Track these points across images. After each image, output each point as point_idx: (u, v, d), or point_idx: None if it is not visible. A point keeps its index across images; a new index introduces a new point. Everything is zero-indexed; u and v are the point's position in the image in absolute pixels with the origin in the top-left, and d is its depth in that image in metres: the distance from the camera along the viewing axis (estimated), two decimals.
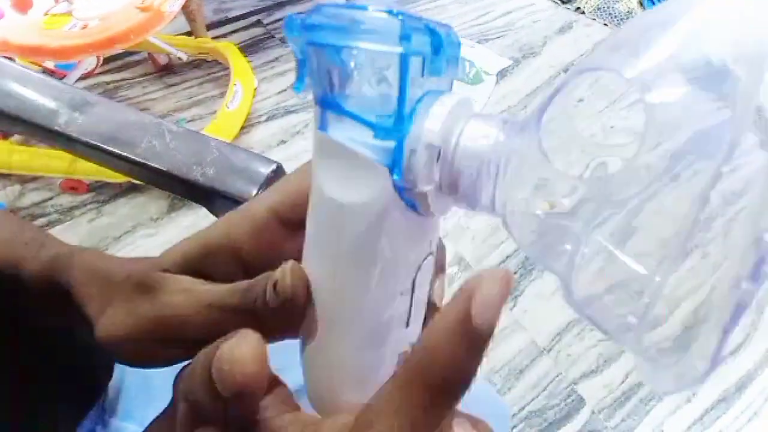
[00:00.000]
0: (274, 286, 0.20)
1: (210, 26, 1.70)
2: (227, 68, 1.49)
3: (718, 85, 0.15)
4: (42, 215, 1.28)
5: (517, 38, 1.80)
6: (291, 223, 0.24)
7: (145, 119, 0.48)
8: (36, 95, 0.48)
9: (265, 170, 0.44)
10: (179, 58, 1.52)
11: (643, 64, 0.15)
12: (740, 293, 0.14)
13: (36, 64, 1.32)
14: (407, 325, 0.22)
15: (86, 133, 0.46)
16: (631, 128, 0.16)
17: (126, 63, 1.62)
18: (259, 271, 0.22)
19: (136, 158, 0.45)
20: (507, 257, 1.27)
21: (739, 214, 0.15)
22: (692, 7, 0.16)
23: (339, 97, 0.18)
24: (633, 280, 0.16)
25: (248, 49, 1.68)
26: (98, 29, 1.15)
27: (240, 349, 0.17)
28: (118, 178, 1.24)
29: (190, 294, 0.23)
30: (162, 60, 1.59)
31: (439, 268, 0.24)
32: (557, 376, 1.13)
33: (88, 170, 1.23)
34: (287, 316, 0.21)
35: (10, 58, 1.05)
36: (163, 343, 0.23)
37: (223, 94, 1.44)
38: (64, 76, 1.33)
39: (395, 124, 0.18)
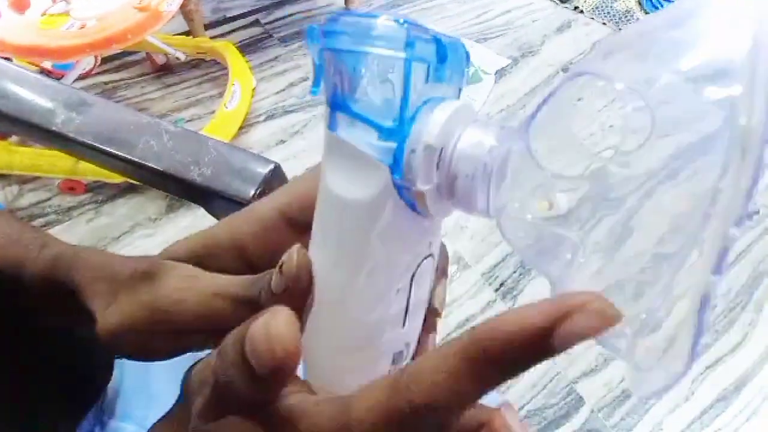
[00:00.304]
0: (280, 268, 0.20)
1: (208, 26, 1.70)
2: (225, 68, 1.49)
3: (717, 85, 0.15)
4: (40, 216, 1.28)
5: (515, 37, 1.80)
6: (297, 225, 0.24)
7: (143, 119, 0.47)
8: (33, 95, 0.48)
9: (263, 170, 0.44)
10: (177, 58, 1.51)
11: (638, 69, 0.15)
12: (707, 285, 0.14)
13: (33, 64, 1.32)
14: (403, 324, 0.22)
15: (84, 134, 0.46)
16: (630, 127, 0.16)
17: (124, 63, 1.62)
18: (263, 271, 0.22)
19: (134, 158, 0.45)
20: (506, 256, 1.27)
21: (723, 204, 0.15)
22: (694, 12, 0.16)
23: (348, 99, 0.19)
24: (629, 280, 0.16)
25: (246, 48, 1.67)
26: (96, 29, 1.15)
27: (277, 324, 0.17)
28: (117, 179, 1.24)
29: (195, 281, 0.23)
30: (160, 60, 1.59)
31: (441, 273, 0.24)
32: (556, 374, 1.13)
33: (87, 170, 1.23)
34: (291, 305, 0.21)
35: (7, 59, 1.05)
36: (164, 333, 0.23)
37: (221, 94, 1.44)
38: (62, 76, 1.33)
39: (397, 126, 0.19)
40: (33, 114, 0.47)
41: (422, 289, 0.23)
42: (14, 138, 1.31)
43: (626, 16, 1.88)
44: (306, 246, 0.22)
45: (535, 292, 1.22)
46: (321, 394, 0.20)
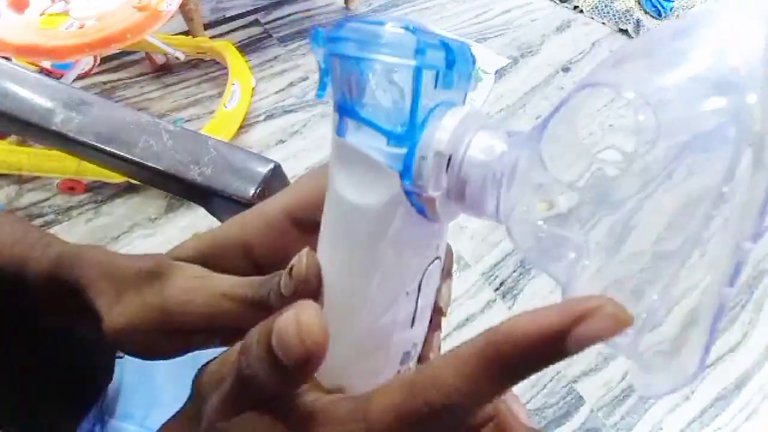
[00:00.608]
0: (290, 270, 0.20)
1: (207, 25, 1.70)
2: (225, 68, 1.49)
3: (719, 90, 0.15)
4: (40, 215, 1.28)
5: (515, 37, 1.81)
6: (304, 225, 0.24)
7: (143, 119, 0.47)
8: (33, 95, 0.48)
9: (263, 169, 0.44)
10: (177, 58, 1.51)
11: (646, 79, 0.15)
12: (721, 296, 0.15)
13: (33, 63, 1.32)
14: (412, 325, 0.22)
15: (83, 133, 0.46)
16: (630, 128, 0.16)
17: (123, 63, 1.62)
18: (270, 271, 0.22)
19: (134, 158, 0.45)
20: (506, 256, 1.27)
21: (732, 214, 0.15)
22: (702, 22, 0.16)
23: (357, 104, 0.19)
24: (630, 279, 0.16)
25: (246, 48, 1.67)
26: (95, 29, 1.15)
27: (305, 315, 0.17)
28: (116, 178, 1.24)
29: (202, 282, 0.23)
30: (159, 60, 1.59)
31: (446, 274, 0.24)
32: (556, 374, 1.13)
33: (87, 170, 1.23)
34: None
35: (6, 58, 1.05)
36: (171, 333, 0.23)
37: (220, 94, 1.44)
38: (61, 75, 1.32)
39: (407, 132, 0.19)
40: (32, 113, 0.47)
41: (430, 290, 0.23)
42: (13, 137, 1.31)
43: (626, 16, 1.88)
44: (313, 247, 0.22)
45: (535, 291, 1.22)
46: (334, 394, 0.20)
